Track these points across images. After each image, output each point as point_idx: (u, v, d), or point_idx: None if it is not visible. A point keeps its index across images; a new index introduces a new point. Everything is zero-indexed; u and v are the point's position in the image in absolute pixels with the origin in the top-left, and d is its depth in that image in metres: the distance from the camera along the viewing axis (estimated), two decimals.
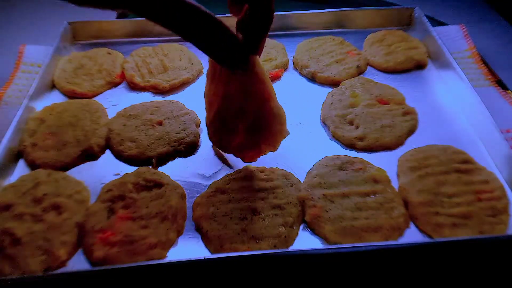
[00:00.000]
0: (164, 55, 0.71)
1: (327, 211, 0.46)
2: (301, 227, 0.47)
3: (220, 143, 0.53)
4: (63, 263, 0.43)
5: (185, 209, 0.48)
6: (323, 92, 0.65)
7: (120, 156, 0.55)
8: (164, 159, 0.55)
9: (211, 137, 0.55)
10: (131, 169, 0.53)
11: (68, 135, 0.56)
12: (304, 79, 0.69)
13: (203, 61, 0.71)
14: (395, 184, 0.50)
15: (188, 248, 0.45)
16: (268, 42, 0.73)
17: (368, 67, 0.70)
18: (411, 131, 0.58)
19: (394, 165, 0.53)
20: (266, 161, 0.53)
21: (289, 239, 0.45)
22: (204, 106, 0.63)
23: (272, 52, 0.71)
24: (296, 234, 0.46)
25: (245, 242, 0.44)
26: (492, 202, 0.46)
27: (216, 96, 0.49)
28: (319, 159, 0.53)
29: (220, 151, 0.55)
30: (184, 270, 0.41)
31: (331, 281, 0.43)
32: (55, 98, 0.66)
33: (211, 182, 0.51)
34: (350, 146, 0.56)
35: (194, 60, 0.70)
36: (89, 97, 0.65)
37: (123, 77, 0.69)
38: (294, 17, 0.78)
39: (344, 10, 0.78)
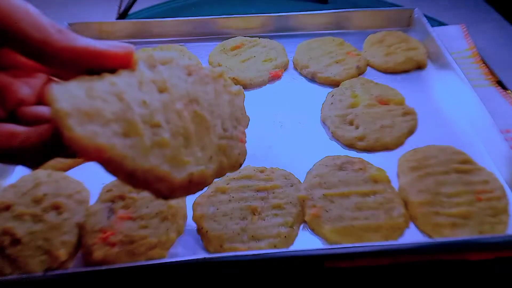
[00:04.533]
0: None
1: (327, 211, 0.46)
2: (301, 227, 0.47)
3: None
4: (63, 263, 0.43)
5: (185, 209, 0.48)
6: (323, 92, 0.65)
7: None
8: None
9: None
10: None
11: None
12: (304, 79, 0.69)
13: (203, 61, 0.71)
14: (395, 184, 0.50)
15: (188, 248, 0.45)
16: (268, 42, 0.74)
17: (368, 68, 0.70)
18: (411, 131, 0.58)
19: (394, 165, 0.53)
20: (266, 161, 0.54)
21: (289, 239, 0.45)
22: None
23: (272, 52, 0.71)
24: (296, 234, 0.46)
25: (245, 242, 0.44)
26: (492, 202, 0.46)
27: None
28: (319, 159, 0.53)
29: None
30: (184, 270, 0.41)
31: (331, 281, 0.43)
32: None
33: None
34: (350, 146, 0.56)
35: (194, 60, 0.71)
36: None
37: None
38: (294, 18, 0.78)
39: (344, 11, 0.78)
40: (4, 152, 0.29)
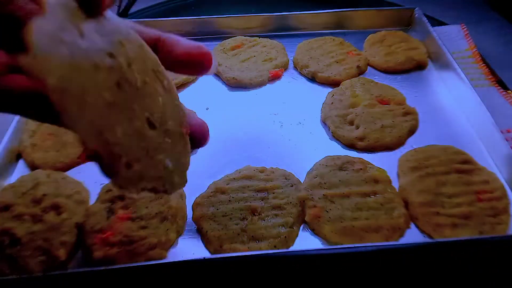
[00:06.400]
0: None
1: (327, 211, 0.46)
2: (301, 228, 0.47)
3: None
4: (62, 264, 0.43)
5: (185, 209, 0.48)
6: (323, 92, 0.65)
7: None
8: None
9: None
10: None
11: (68, 136, 0.56)
12: (304, 79, 0.69)
13: None
14: (395, 184, 0.50)
15: (188, 248, 0.45)
16: (268, 42, 0.74)
17: (368, 68, 0.70)
18: (411, 131, 0.58)
19: (394, 165, 0.53)
20: (266, 161, 0.53)
21: (289, 240, 0.45)
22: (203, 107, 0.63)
23: (272, 52, 0.71)
24: (296, 235, 0.46)
25: (245, 243, 0.44)
26: (492, 202, 0.46)
27: None
28: (319, 159, 0.53)
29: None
30: (184, 270, 0.41)
31: (332, 281, 0.43)
32: None
33: (211, 182, 0.51)
34: (350, 146, 0.56)
35: None
36: None
37: None
38: (294, 18, 0.78)
39: (345, 11, 0.78)
40: None
